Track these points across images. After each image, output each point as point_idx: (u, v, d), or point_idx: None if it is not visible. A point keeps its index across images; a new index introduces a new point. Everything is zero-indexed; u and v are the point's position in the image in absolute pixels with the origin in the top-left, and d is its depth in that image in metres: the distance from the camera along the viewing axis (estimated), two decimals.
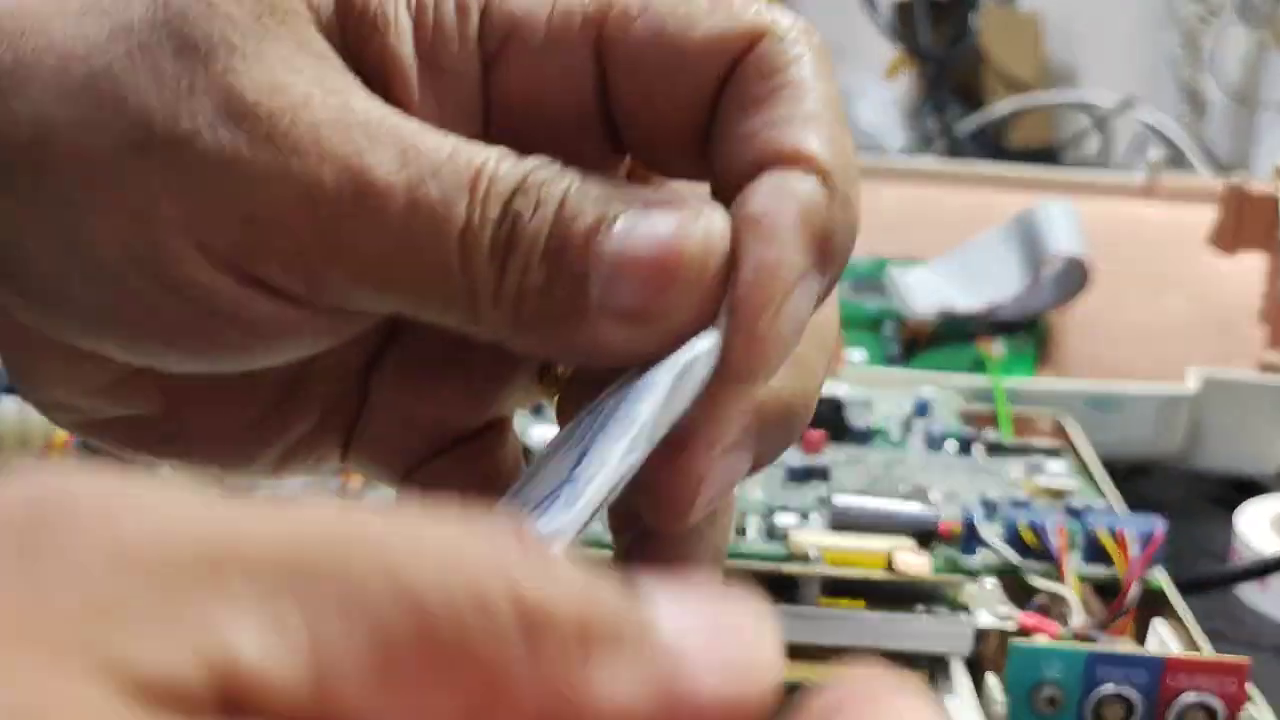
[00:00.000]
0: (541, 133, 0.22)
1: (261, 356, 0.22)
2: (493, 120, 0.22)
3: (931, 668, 0.36)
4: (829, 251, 0.21)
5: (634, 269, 0.20)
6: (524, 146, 0.21)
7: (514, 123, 0.22)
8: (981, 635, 0.36)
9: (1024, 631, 0.36)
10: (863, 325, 0.66)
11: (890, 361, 0.63)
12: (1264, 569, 0.49)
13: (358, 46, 0.21)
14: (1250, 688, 0.34)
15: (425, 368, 0.24)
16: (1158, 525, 0.38)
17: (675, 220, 0.20)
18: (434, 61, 0.22)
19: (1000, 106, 1.18)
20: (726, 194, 0.21)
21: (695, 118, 0.22)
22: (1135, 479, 0.61)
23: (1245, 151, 1.16)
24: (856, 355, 0.63)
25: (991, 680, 0.34)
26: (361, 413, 0.25)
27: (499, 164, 0.20)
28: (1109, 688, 0.34)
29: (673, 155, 0.22)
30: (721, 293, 0.20)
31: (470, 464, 0.24)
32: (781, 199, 0.20)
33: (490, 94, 0.22)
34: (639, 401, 0.20)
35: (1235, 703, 0.34)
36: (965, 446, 0.47)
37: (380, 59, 0.21)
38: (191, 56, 0.20)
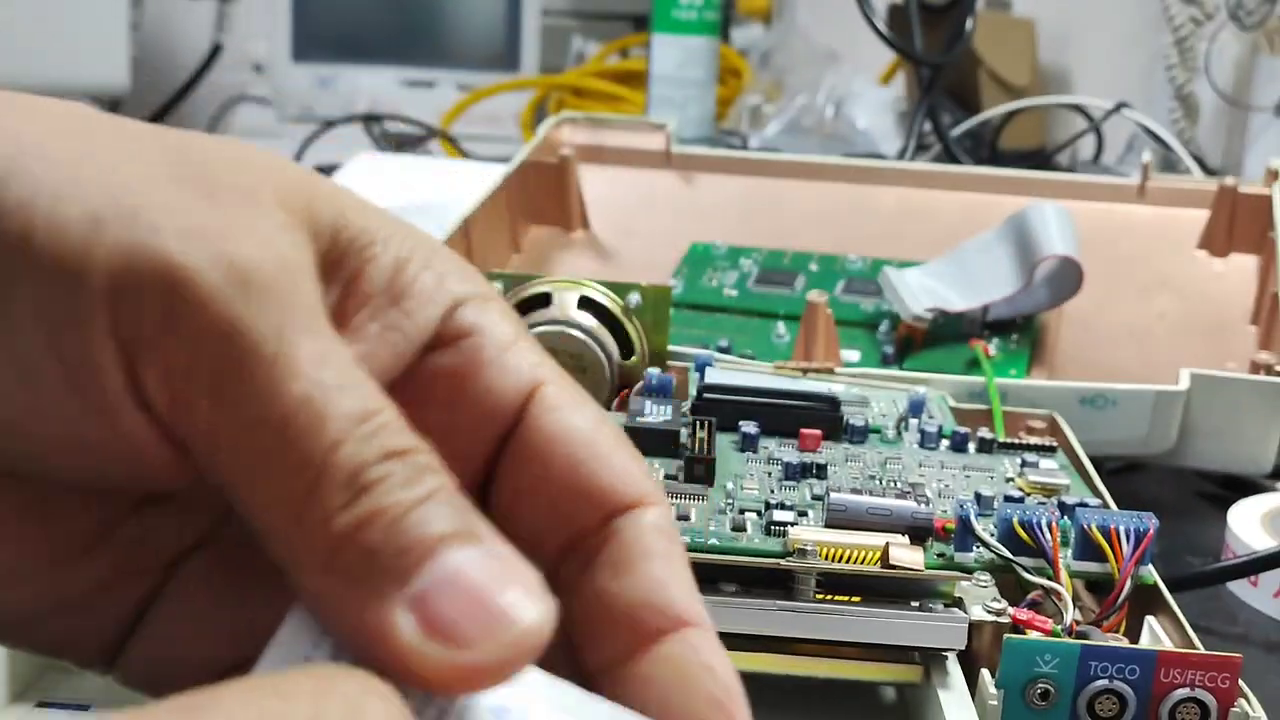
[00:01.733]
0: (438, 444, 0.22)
1: (116, 469, 0.21)
2: (413, 405, 0.22)
3: (926, 663, 0.36)
4: None
5: (462, 594, 0.19)
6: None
7: (421, 420, 0.22)
8: (975, 631, 0.36)
9: (1017, 627, 0.36)
10: (858, 325, 0.66)
11: (885, 361, 0.63)
12: (1255, 566, 0.49)
13: (340, 256, 0.22)
14: (1242, 684, 0.34)
15: (242, 571, 0.23)
16: (1150, 522, 0.38)
17: (519, 589, 0.19)
18: (392, 304, 0.22)
19: (994, 110, 1.19)
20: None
21: (564, 535, 0.23)
22: (1128, 477, 0.61)
23: (1237, 154, 1.17)
24: (852, 355, 0.63)
25: (985, 675, 0.35)
26: (153, 604, 0.23)
27: (395, 421, 0.20)
28: (1102, 683, 0.34)
29: (524, 545, 0.22)
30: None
31: None
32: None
33: (412, 379, 0.22)
34: None
35: (1228, 698, 0.34)
36: (959, 445, 0.47)
37: (353, 278, 0.22)
38: (209, 202, 0.21)
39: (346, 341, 0.21)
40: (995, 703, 0.34)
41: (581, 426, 0.23)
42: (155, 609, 0.23)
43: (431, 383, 0.23)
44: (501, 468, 0.23)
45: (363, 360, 0.21)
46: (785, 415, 0.47)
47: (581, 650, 0.22)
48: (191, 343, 0.20)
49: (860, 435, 0.47)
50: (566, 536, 0.23)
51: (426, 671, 0.19)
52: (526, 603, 0.19)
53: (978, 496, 0.42)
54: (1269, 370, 0.58)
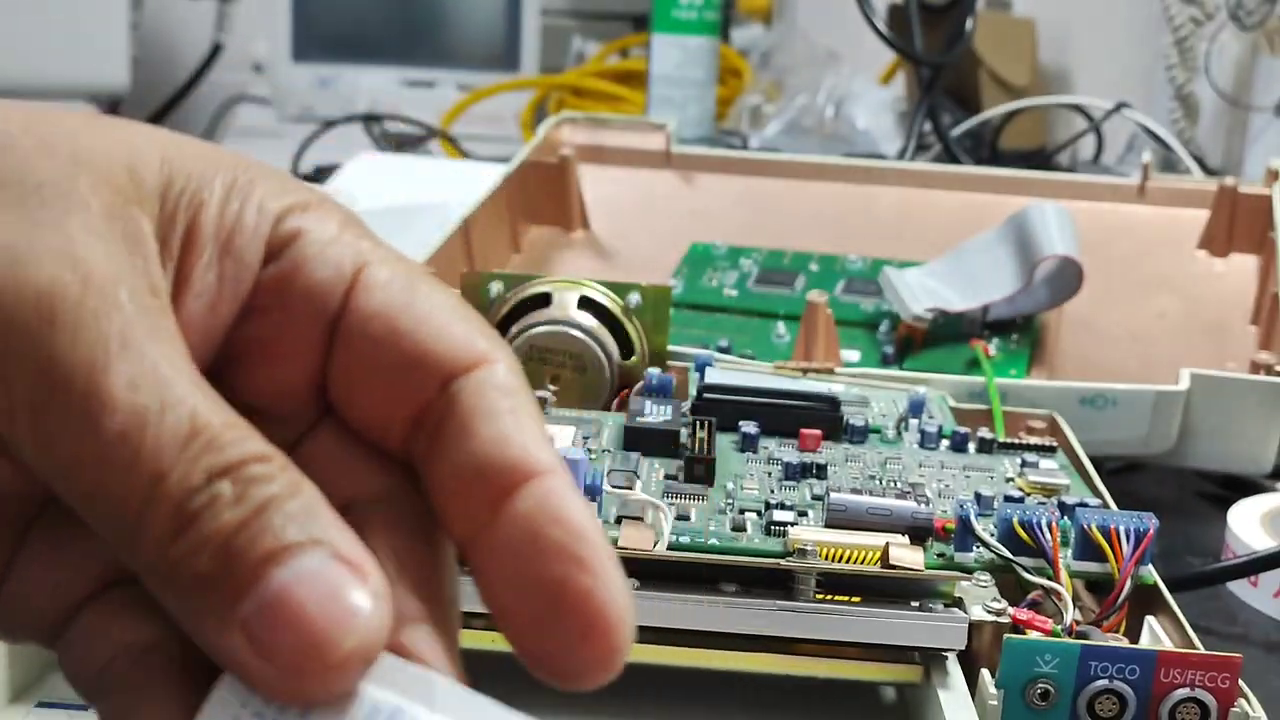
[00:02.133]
0: (270, 363, 0.22)
1: None
2: (243, 320, 0.23)
3: (926, 663, 0.36)
4: None
5: (285, 620, 0.19)
6: (254, 366, 0.22)
7: (252, 333, 0.22)
8: (975, 631, 0.36)
9: (1017, 627, 0.36)
10: (858, 325, 0.66)
11: (885, 361, 0.63)
12: (1255, 566, 0.49)
13: (171, 213, 0.22)
14: (1242, 684, 0.34)
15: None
16: (1150, 523, 0.38)
17: (359, 590, 0.19)
18: (223, 249, 0.22)
19: (994, 110, 1.19)
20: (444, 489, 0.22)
21: (405, 413, 0.22)
22: (1128, 477, 0.61)
23: (1237, 154, 1.17)
24: (852, 355, 0.63)
25: (985, 675, 0.35)
26: (13, 560, 0.22)
27: (224, 433, 0.20)
28: (1102, 683, 0.34)
29: (373, 432, 0.22)
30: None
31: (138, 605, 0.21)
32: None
33: (249, 301, 0.22)
34: None
35: (1228, 698, 0.34)
36: (959, 445, 0.47)
37: (188, 231, 0.22)
38: (18, 214, 0.20)
39: (192, 297, 0.22)
40: (995, 703, 0.34)
41: (403, 299, 0.22)
42: (15, 563, 0.22)
43: (263, 296, 0.23)
44: (334, 359, 0.23)
45: (209, 312, 0.22)
46: (785, 415, 0.47)
47: (447, 527, 0.22)
48: (6, 384, 0.19)
49: (860, 435, 0.47)
50: (409, 412, 0.22)
51: (267, 689, 0.19)
52: (355, 616, 0.19)
53: (978, 496, 0.42)
54: (1269, 370, 0.58)
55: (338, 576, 0.19)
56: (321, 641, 0.19)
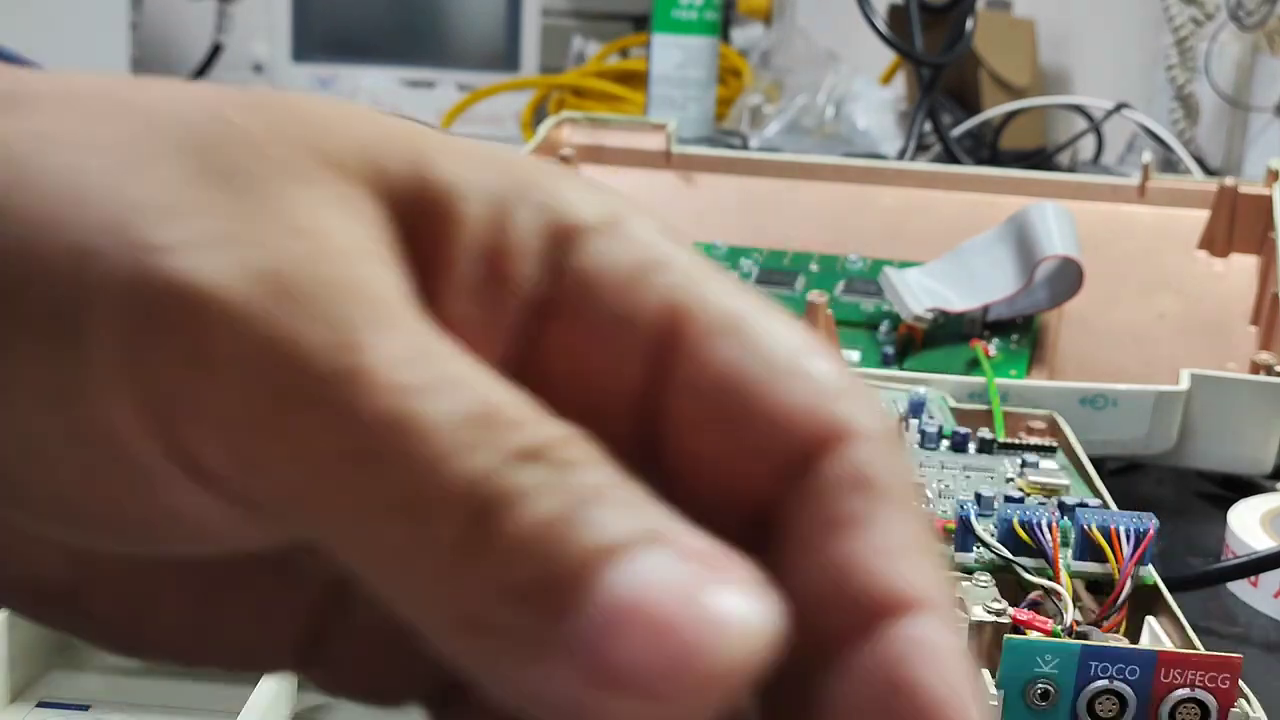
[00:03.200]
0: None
1: (182, 544, 0.17)
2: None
3: None
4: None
5: (634, 628, 0.14)
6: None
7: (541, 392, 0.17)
8: (975, 631, 0.36)
9: (1017, 627, 0.36)
10: (858, 326, 0.66)
11: (885, 361, 0.63)
12: (1255, 566, 0.49)
13: (418, 230, 0.17)
14: (1242, 684, 0.34)
15: None
16: (1150, 523, 0.38)
17: (724, 587, 0.14)
18: (489, 275, 0.17)
19: (994, 110, 1.19)
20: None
21: (751, 490, 0.17)
22: (1128, 477, 0.61)
23: (1237, 154, 1.17)
24: (852, 355, 0.63)
25: (985, 675, 0.35)
26: (331, 617, 0.19)
27: (521, 411, 0.15)
28: (1102, 683, 0.34)
29: (711, 514, 0.16)
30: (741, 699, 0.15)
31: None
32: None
33: (525, 344, 0.17)
34: None
35: (1228, 699, 0.34)
36: (959, 445, 0.47)
37: (434, 246, 0.17)
38: (230, 194, 0.16)
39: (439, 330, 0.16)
40: (995, 703, 0.34)
41: (743, 353, 0.17)
42: (331, 627, 0.19)
43: (551, 347, 0.17)
44: (661, 423, 0.17)
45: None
46: None
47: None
48: (234, 379, 0.15)
49: None
50: (756, 490, 0.17)
51: None
52: (734, 613, 0.14)
53: (978, 497, 0.42)
54: (1269, 370, 0.58)
55: (693, 574, 0.14)
56: (690, 656, 0.14)
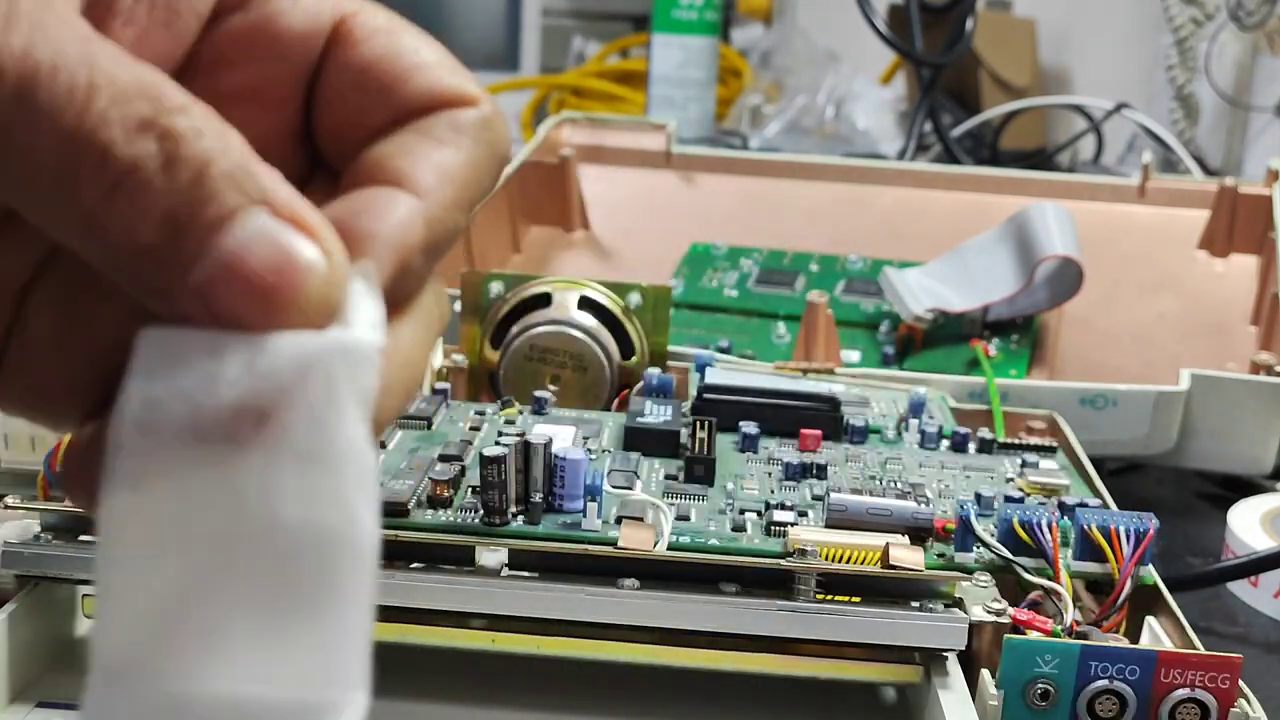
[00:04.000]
0: (242, 119, 0.20)
1: None
2: (209, 74, 0.22)
3: (926, 663, 0.36)
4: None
5: (241, 281, 0.18)
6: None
7: (220, 88, 0.21)
8: (975, 631, 0.36)
9: (1017, 627, 0.36)
10: (858, 325, 0.66)
11: (886, 361, 0.63)
12: (1255, 566, 0.49)
13: None
14: (1242, 684, 0.34)
15: (88, 288, 0.22)
16: (1150, 523, 0.38)
17: (307, 245, 0.19)
18: None
19: (994, 110, 1.19)
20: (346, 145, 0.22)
21: (369, 135, 0.22)
22: (1128, 477, 0.62)
23: (1237, 154, 1.17)
24: (852, 355, 0.63)
25: (985, 675, 0.35)
26: (12, 336, 0.22)
27: (133, 86, 0.18)
28: (1102, 683, 0.34)
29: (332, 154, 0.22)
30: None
31: None
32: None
33: (211, 53, 0.22)
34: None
35: (1228, 698, 0.34)
36: (959, 445, 0.47)
37: None
38: None
39: (120, 25, 0.20)
40: (995, 703, 0.34)
41: (394, 46, 0.22)
42: (13, 340, 0.22)
43: (231, 49, 0.22)
44: (316, 112, 0.22)
45: (139, 44, 0.21)
46: (785, 415, 0.47)
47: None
48: None
49: (860, 435, 0.47)
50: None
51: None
52: (309, 259, 0.18)
53: (978, 497, 0.42)
54: (1269, 370, 0.58)
55: (284, 235, 0.19)
56: (276, 299, 0.18)
